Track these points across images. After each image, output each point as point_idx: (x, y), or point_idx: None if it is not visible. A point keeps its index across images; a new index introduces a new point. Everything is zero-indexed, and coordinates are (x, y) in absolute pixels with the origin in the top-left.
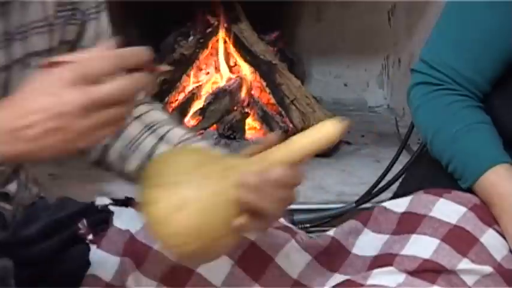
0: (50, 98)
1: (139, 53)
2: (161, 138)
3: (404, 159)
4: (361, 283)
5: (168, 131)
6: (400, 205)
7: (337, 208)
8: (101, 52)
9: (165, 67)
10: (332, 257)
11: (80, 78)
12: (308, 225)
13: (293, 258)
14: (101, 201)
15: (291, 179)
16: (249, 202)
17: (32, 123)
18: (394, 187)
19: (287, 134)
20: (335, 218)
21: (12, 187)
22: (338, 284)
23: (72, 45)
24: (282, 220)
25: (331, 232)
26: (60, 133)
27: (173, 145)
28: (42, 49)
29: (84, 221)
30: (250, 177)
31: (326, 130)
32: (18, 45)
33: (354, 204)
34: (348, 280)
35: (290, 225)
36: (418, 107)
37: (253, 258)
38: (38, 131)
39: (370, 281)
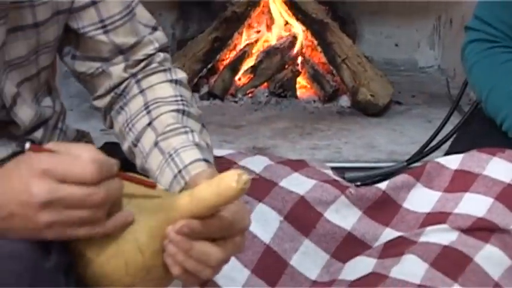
0: (20, 185)
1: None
2: (150, 124)
3: (455, 119)
4: (413, 240)
5: (158, 116)
6: (453, 162)
7: (388, 167)
8: (83, 154)
9: (157, 186)
10: (382, 211)
11: (52, 173)
12: (359, 183)
13: (343, 212)
14: None
15: (196, 233)
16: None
17: (0, 204)
18: (445, 147)
19: (337, 93)
20: (386, 177)
21: (38, 133)
22: (391, 241)
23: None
24: (330, 174)
25: (381, 185)
26: (24, 221)
27: (157, 134)
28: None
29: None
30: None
31: (226, 184)
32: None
33: (405, 163)
34: (400, 237)
35: (339, 178)
36: (473, 64)
37: (302, 214)
38: (4, 213)
39: (422, 239)
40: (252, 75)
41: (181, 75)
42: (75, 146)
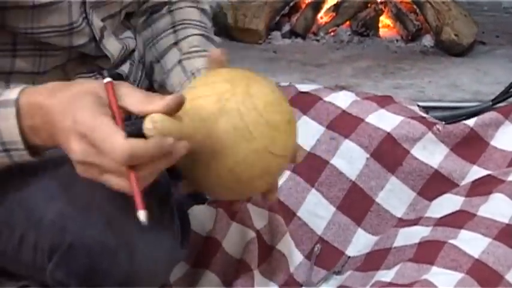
0: (63, 134)
1: (163, 150)
2: (175, 43)
3: None
4: (502, 179)
5: (185, 37)
6: None
7: (472, 106)
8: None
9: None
10: (470, 148)
11: (88, 139)
12: (443, 122)
13: (430, 149)
14: None
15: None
16: None
17: (53, 133)
18: None
19: (421, 32)
20: (471, 116)
21: (125, 67)
22: (478, 179)
23: None
24: (417, 110)
25: (469, 122)
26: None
27: (181, 53)
28: None
29: None
30: None
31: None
32: None
33: (490, 103)
34: (488, 175)
35: (426, 115)
36: None
37: (388, 151)
38: (54, 142)
39: (511, 178)
40: (334, 14)
41: (206, 6)
42: (146, 102)
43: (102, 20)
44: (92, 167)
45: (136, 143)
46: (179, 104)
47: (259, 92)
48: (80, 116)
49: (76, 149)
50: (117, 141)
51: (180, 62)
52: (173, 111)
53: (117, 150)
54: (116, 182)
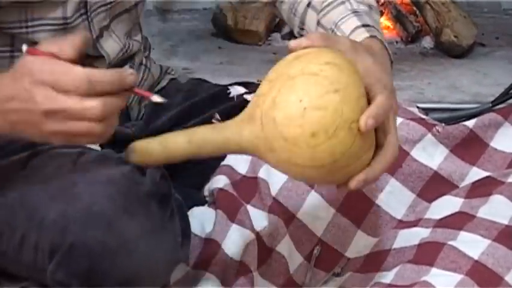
0: (25, 93)
1: (122, 79)
2: (309, 4)
3: None
4: (501, 180)
5: None
6: None
7: (472, 108)
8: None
9: (156, 98)
10: (469, 149)
11: (52, 84)
12: (443, 124)
13: (429, 151)
14: (236, 90)
15: None
16: None
17: (7, 110)
18: None
19: (420, 34)
20: (470, 118)
21: None
22: (478, 180)
23: None
24: (416, 111)
25: (469, 123)
26: (33, 127)
27: (317, 12)
28: None
29: (217, 114)
30: None
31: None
32: None
33: (490, 104)
34: (488, 177)
35: (425, 116)
36: None
37: None
38: (14, 118)
39: (510, 179)
40: None
41: None
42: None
43: (117, 15)
44: (58, 115)
45: (92, 69)
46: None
47: (285, 100)
48: (36, 69)
49: (40, 98)
50: (75, 70)
51: (318, 23)
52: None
53: (77, 77)
54: (80, 125)
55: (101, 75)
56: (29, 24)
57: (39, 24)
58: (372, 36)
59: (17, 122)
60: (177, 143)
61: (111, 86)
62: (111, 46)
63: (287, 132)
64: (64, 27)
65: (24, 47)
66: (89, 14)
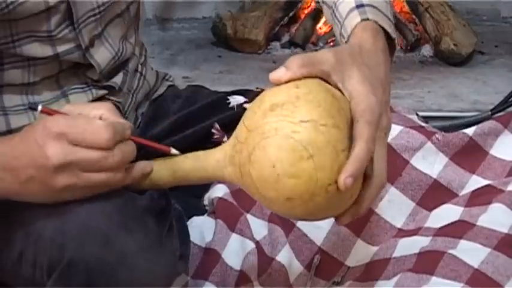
0: (36, 149)
1: (129, 130)
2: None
3: None
4: (501, 189)
5: None
6: None
7: (471, 116)
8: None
9: (174, 151)
10: (469, 157)
11: (67, 136)
12: (442, 132)
13: (429, 159)
14: (235, 100)
15: None
16: None
17: (17, 167)
18: None
19: (420, 42)
20: (470, 126)
21: (117, 79)
22: (478, 189)
23: None
24: (416, 119)
25: (468, 131)
26: (42, 184)
27: (329, 7)
28: None
29: (217, 124)
30: None
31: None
32: None
33: (489, 113)
34: (488, 185)
35: (425, 124)
36: None
37: (388, 161)
38: (22, 177)
39: (510, 187)
40: None
41: None
42: (89, 107)
43: (110, 21)
44: (71, 167)
45: (111, 121)
46: None
47: (259, 161)
48: (49, 124)
49: (54, 151)
50: (98, 124)
51: (332, 17)
52: None
53: (101, 130)
54: (99, 176)
55: (121, 124)
56: (15, 38)
57: (25, 37)
58: (364, 20)
59: (25, 180)
60: (162, 177)
61: (128, 135)
62: (101, 55)
63: (263, 191)
64: (50, 39)
65: (40, 107)
66: (76, 25)
